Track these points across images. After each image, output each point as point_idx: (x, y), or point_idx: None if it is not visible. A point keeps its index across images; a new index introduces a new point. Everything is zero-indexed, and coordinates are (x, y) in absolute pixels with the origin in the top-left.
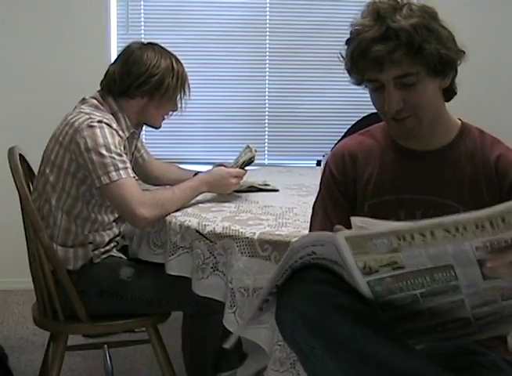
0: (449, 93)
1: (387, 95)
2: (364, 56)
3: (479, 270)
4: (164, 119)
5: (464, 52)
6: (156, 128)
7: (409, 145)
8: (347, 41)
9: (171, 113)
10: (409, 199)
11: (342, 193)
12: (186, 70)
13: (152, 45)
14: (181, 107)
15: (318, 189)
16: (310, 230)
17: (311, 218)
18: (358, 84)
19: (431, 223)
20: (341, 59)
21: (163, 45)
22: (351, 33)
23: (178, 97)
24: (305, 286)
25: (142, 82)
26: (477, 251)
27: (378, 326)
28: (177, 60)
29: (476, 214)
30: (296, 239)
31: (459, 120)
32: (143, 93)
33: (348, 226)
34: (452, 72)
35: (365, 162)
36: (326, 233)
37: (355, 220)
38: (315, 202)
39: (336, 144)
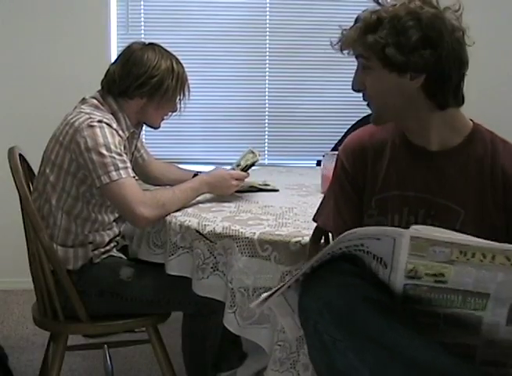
0: (440, 100)
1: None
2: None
3: (507, 312)
4: (163, 119)
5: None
6: (155, 128)
7: (418, 142)
8: None
9: (170, 113)
10: (412, 196)
11: (352, 185)
12: (186, 70)
13: (153, 46)
14: (180, 108)
15: (318, 189)
16: (314, 218)
17: (320, 207)
18: None
19: (496, 247)
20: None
21: (163, 44)
22: None
23: (178, 98)
24: (333, 276)
25: (142, 83)
26: None
27: (406, 320)
28: (177, 62)
29: None
30: (360, 228)
31: (471, 121)
32: (142, 94)
33: (358, 221)
34: (414, 75)
35: (375, 156)
36: (393, 228)
37: (415, 228)
38: (326, 191)
39: (344, 135)
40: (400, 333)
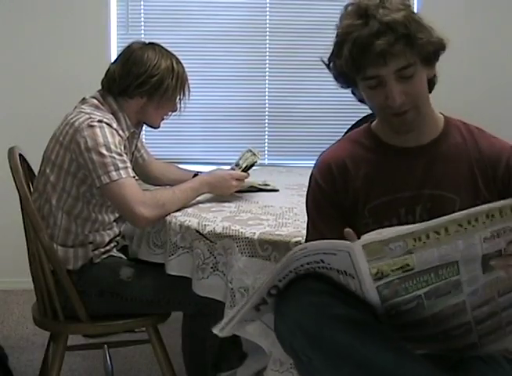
0: (431, 84)
1: (389, 90)
2: (366, 52)
3: (480, 264)
4: (163, 119)
5: (443, 40)
6: (154, 127)
7: (398, 143)
8: (338, 44)
9: (170, 113)
10: (406, 196)
11: (333, 204)
12: (186, 70)
13: (153, 46)
14: (180, 108)
15: None
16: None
17: (306, 235)
18: (349, 86)
19: (445, 220)
20: (326, 63)
21: (163, 44)
22: (339, 35)
23: (178, 98)
24: (301, 297)
25: (142, 82)
26: (485, 243)
27: (377, 332)
28: (177, 61)
29: (488, 205)
30: (311, 243)
31: (441, 113)
32: (142, 93)
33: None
34: (437, 61)
35: (355, 168)
36: (342, 241)
37: (365, 236)
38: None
39: (344, 135)
40: (372, 347)
